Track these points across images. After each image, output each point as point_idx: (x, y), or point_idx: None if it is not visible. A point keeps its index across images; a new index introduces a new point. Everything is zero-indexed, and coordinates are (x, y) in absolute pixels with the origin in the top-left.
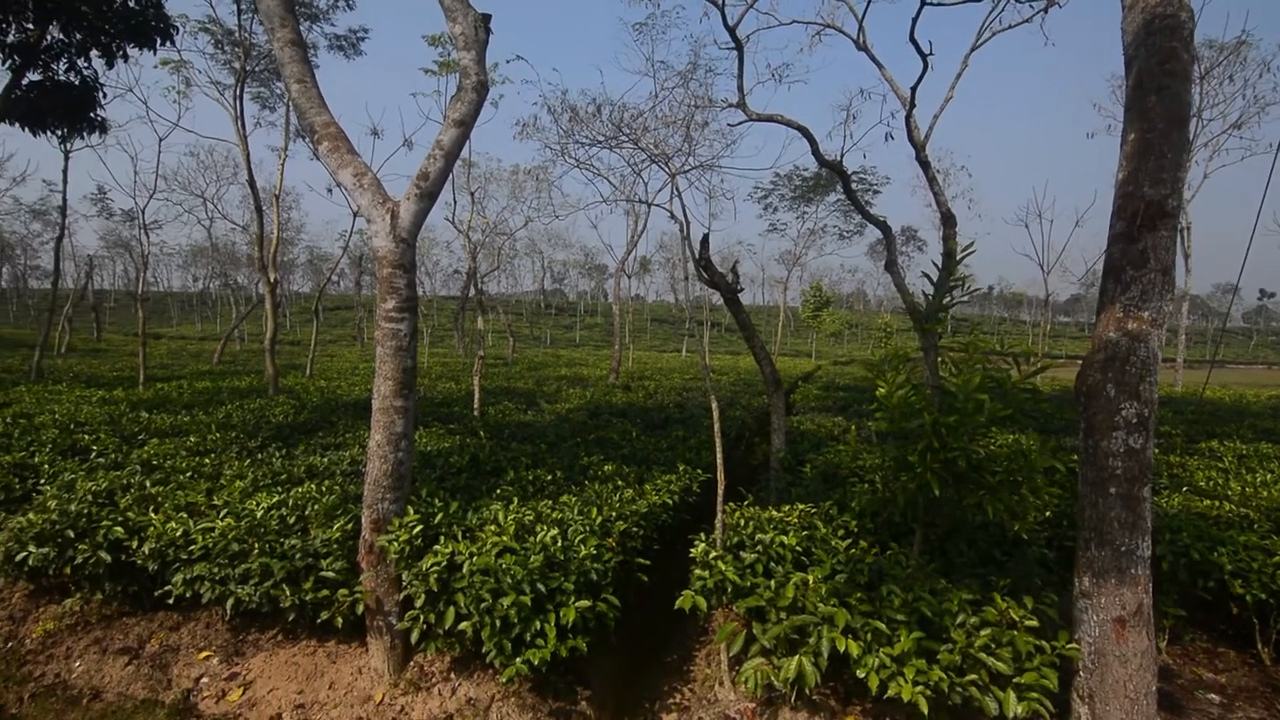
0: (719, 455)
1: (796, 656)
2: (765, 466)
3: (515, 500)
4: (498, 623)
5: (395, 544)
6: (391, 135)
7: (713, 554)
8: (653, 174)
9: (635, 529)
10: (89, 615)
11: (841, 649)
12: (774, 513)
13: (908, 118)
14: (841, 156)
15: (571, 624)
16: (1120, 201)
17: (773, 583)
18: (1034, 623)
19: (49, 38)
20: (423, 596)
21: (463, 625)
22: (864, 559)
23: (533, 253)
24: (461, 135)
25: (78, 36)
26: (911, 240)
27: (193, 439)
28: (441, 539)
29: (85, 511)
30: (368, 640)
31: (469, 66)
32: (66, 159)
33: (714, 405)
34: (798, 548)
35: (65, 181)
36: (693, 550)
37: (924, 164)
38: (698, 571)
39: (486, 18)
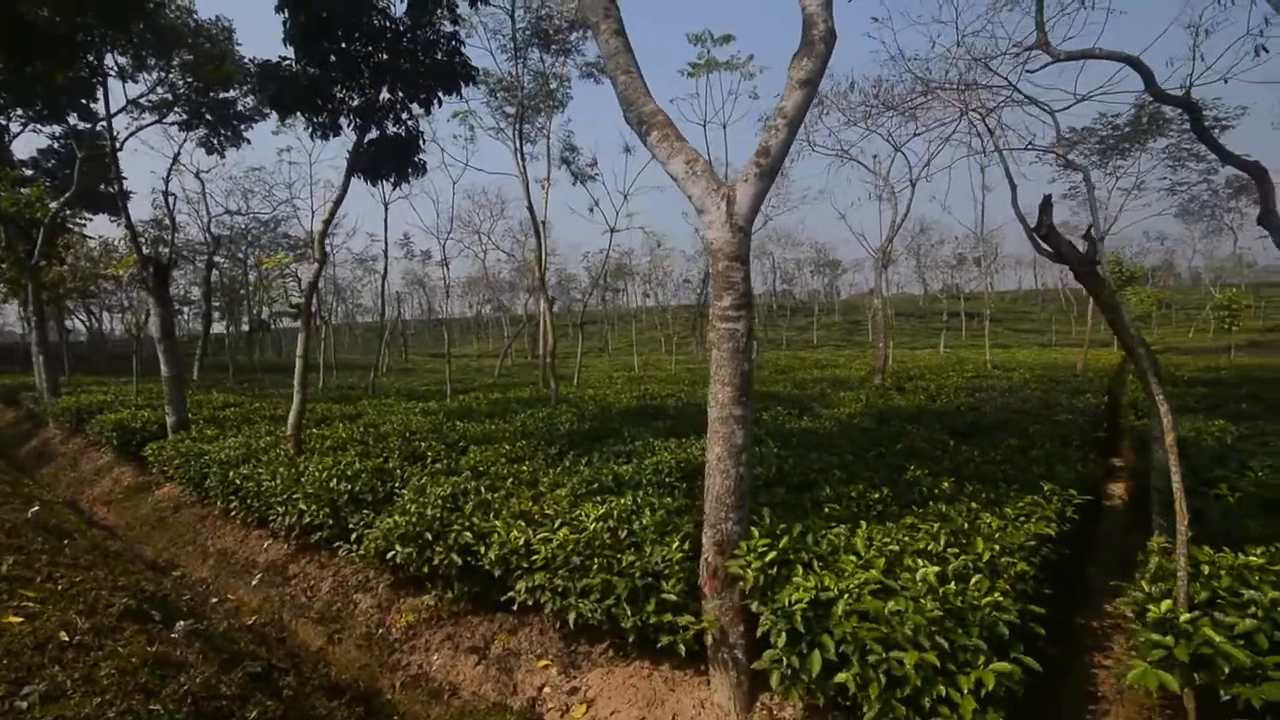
0: (1176, 474)
1: None
2: (1110, 481)
3: (863, 524)
4: (883, 678)
5: (749, 570)
6: (640, 152)
7: (1183, 616)
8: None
9: (1026, 567)
10: (441, 611)
11: None
12: (1250, 558)
13: None
14: (1189, 88)
15: (990, 691)
16: None
17: None
18: None
19: (381, 99)
20: (784, 635)
21: (840, 677)
22: None
23: (761, 255)
24: (807, 97)
25: (400, 94)
26: None
27: (505, 446)
28: (799, 569)
29: (438, 516)
30: (710, 673)
31: (815, 13)
32: (386, 210)
33: (1165, 410)
34: None
35: (386, 229)
36: (1151, 610)
37: None
38: (1153, 636)
39: None
